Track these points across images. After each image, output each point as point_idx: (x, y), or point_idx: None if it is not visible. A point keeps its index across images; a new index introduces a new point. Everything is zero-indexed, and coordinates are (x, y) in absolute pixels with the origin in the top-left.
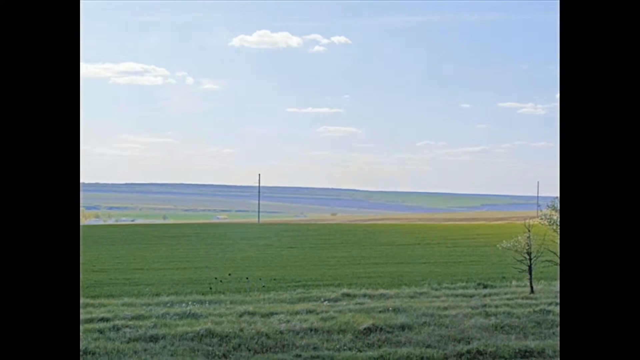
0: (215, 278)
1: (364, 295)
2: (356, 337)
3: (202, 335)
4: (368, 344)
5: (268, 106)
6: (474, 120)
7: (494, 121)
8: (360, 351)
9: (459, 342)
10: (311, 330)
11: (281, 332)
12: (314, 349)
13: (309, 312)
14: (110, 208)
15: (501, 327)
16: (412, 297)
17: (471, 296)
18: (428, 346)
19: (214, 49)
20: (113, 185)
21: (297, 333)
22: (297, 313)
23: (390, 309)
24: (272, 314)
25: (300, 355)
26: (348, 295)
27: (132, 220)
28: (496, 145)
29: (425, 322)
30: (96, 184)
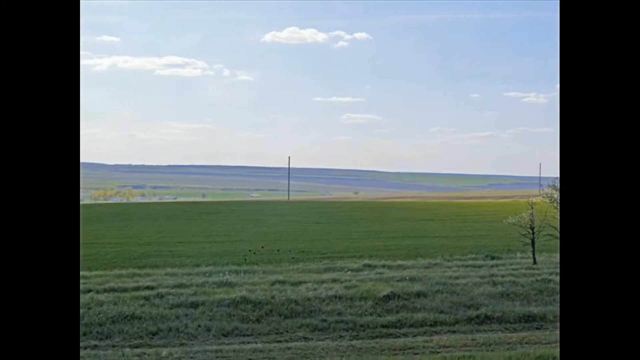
0: (250, 250)
1: (383, 266)
2: (376, 303)
3: (237, 302)
4: (387, 309)
5: (297, 96)
6: (482, 108)
7: (500, 109)
8: (380, 316)
9: (469, 308)
10: (336, 297)
11: (309, 299)
12: (339, 314)
13: (334, 281)
14: (155, 187)
15: (507, 295)
16: (426, 268)
17: (480, 267)
18: (441, 312)
19: (248, 44)
20: (157, 166)
21: (323, 300)
22: (323, 282)
23: (407, 278)
24: (300, 282)
25: (326, 320)
26: (369, 265)
27: (174, 199)
28: (502, 131)
29: (438, 290)
30: (142, 166)
